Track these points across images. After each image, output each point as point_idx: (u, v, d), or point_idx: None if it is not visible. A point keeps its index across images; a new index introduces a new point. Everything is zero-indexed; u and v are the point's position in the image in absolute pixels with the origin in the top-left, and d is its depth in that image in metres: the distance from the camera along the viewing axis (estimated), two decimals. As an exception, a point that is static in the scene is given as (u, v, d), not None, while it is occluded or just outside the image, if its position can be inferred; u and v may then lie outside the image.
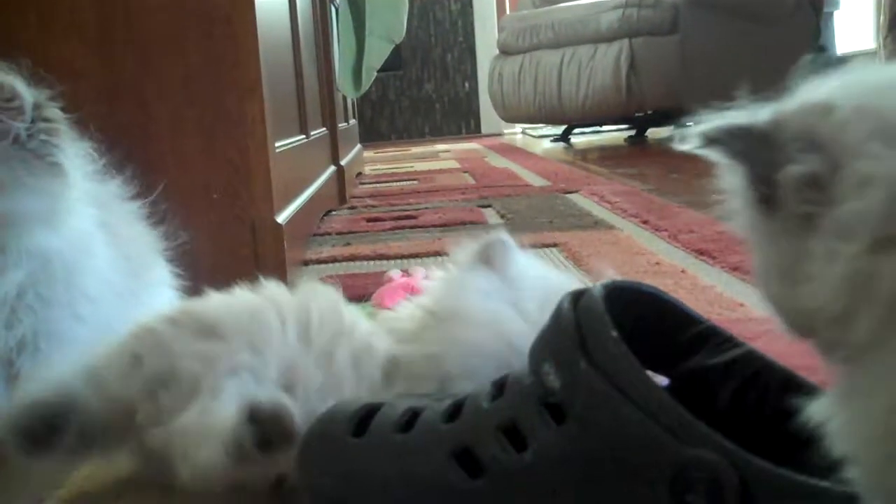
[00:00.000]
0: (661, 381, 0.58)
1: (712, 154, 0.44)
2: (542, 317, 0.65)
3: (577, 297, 0.56)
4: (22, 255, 0.87)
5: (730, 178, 0.45)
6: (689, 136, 0.44)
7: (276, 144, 1.49)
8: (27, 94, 0.85)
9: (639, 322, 0.57)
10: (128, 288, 0.96)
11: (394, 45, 2.92)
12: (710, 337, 0.57)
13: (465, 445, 0.57)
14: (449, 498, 0.56)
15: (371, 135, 5.95)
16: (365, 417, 0.62)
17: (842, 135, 0.40)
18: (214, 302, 0.78)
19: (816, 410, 0.42)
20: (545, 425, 0.54)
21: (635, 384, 0.51)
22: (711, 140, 0.43)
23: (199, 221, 1.21)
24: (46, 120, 0.87)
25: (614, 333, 0.52)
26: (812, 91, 0.43)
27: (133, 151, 1.06)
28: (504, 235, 0.79)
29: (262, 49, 1.38)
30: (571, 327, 0.54)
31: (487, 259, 0.78)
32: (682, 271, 1.42)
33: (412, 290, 1.18)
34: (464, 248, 0.80)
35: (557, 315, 0.56)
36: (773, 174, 0.41)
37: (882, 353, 0.39)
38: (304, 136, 2.00)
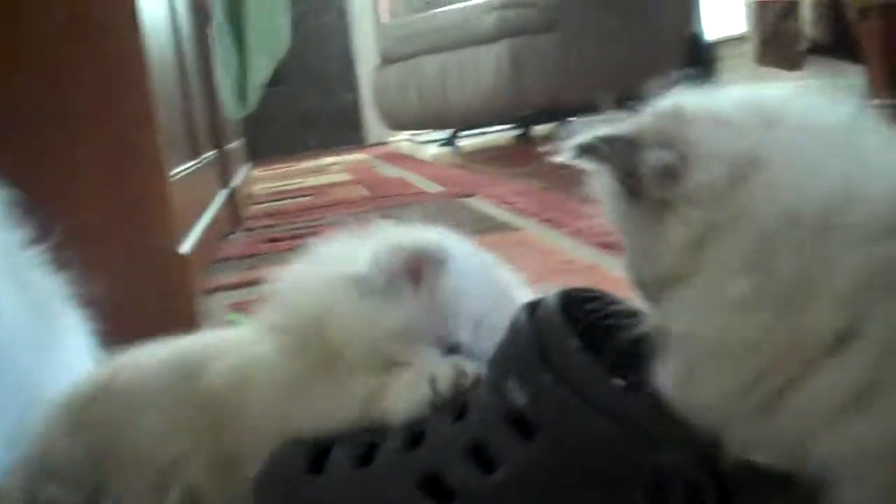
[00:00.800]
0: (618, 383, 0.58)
1: (584, 162, 0.54)
2: (479, 344, 0.62)
3: (533, 308, 0.55)
4: None
5: (599, 181, 0.55)
6: (565, 149, 0.53)
7: (171, 172, 1.44)
8: None
9: (590, 327, 0.57)
10: (40, 336, 0.92)
11: (277, 61, 2.87)
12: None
13: (431, 472, 0.55)
14: (419, 527, 0.54)
15: (256, 153, 5.84)
16: (320, 454, 0.60)
17: (687, 132, 0.50)
18: None
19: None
20: (514, 442, 0.52)
21: (601, 392, 0.51)
22: (585, 150, 0.53)
23: (100, 260, 1.16)
24: None
25: (575, 343, 0.52)
26: (663, 102, 0.53)
27: (27, 191, 1.00)
28: (438, 247, 0.65)
29: (152, 74, 1.34)
30: (531, 340, 0.53)
31: (416, 274, 0.63)
32: (592, 267, 1.43)
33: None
34: (390, 251, 0.65)
35: (515, 328, 0.55)
36: (637, 169, 0.51)
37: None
38: (196, 161, 1.95)
